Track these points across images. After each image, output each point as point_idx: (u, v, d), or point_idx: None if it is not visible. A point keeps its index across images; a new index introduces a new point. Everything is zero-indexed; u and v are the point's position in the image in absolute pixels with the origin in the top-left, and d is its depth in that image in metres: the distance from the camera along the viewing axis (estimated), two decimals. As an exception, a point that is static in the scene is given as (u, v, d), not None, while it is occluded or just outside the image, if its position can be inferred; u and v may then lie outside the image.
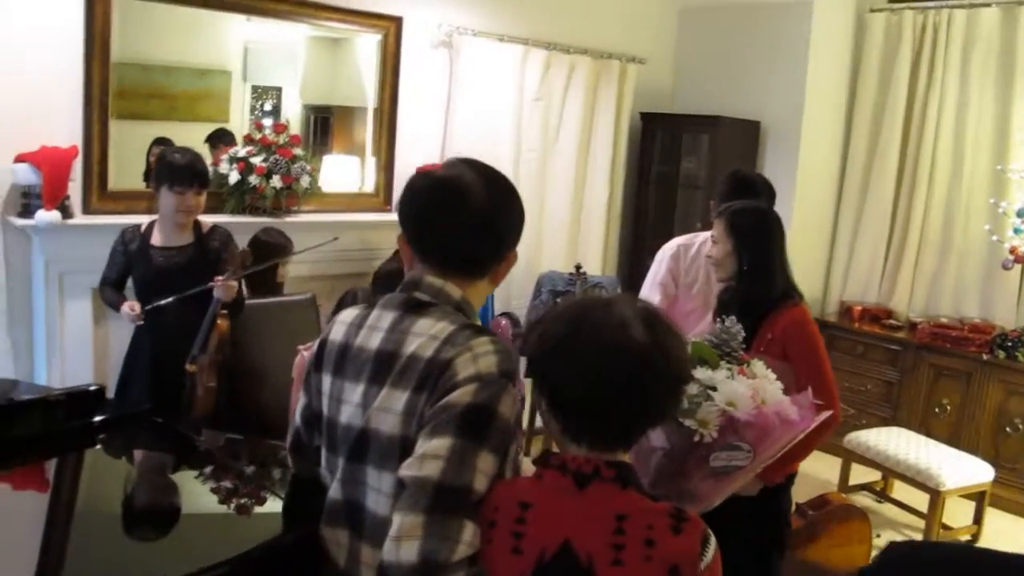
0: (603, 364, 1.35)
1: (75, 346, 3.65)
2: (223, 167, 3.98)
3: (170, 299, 3.14)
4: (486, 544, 1.34)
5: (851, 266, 5.61)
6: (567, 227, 5.36)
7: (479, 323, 1.56)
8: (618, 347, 1.35)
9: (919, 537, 4.22)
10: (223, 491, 2.13)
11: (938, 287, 5.33)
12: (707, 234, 3.32)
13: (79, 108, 3.63)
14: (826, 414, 1.99)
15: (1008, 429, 4.68)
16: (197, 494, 2.07)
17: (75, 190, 3.63)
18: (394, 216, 4.48)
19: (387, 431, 1.46)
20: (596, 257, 5.52)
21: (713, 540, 1.36)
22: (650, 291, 3.38)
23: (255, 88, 4.65)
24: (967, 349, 4.81)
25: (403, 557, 1.31)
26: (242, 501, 2.07)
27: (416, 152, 4.71)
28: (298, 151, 4.10)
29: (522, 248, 5.12)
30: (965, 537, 4.32)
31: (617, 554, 1.31)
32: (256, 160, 3.94)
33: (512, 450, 1.47)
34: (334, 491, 1.56)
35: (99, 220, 3.64)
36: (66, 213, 3.52)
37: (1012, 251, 4.66)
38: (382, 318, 1.55)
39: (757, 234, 2.54)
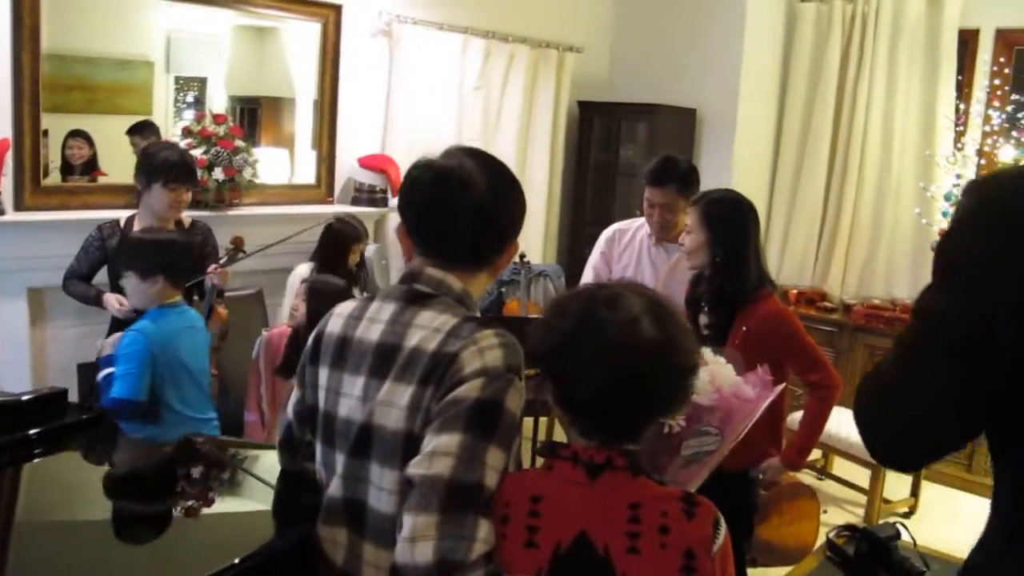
0: (613, 364, 1.34)
1: (11, 349, 3.50)
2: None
3: None
4: (499, 539, 1.33)
5: (786, 250, 5.74)
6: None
7: (479, 314, 1.54)
8: (628, 346, 1.34)
9: (861, 512, 4.36)
10: (196, 493, 2.07)
11: (870, 269, 5.49)
12: (643, 219, 3.35)
13: (8, 100, 3.47)
14: (780, 387, 2.04)
15: (939, 405, 4.85)
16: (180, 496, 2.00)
17: (6, 186, 3.48)
18: (333, 208, 4.50)
19: (391, 426, 1.43)
20: (537, 245, 5.52)
21: (723, 523, 1.37)
22: (585, 275, 3.41)
23: (178, 79, 4.53)
24: (899, 329, 4.97)
25: (419, 558, 1.29)
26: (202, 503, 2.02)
27: (357, 143, 4.65)
28: (239, 142, 3.99)
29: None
30: (903, 509, 4.48)
31: (633, 542, 1.32)
32: (196, 152, 3.83)
33: (515, 444, 1.46)
34: (334, 488, 1.52)
35: (34, 217, 3.49)
36: (-2, 210, 3.38)
37: (941, 233, 4.81)
38: (382, 310, 1.53)
39: (732, 225, 2.54)
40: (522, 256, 4.65)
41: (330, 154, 4.56)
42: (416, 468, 1.35)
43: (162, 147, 3.31)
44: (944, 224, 4.85)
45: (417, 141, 4.74)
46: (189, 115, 4.42)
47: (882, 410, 1.16)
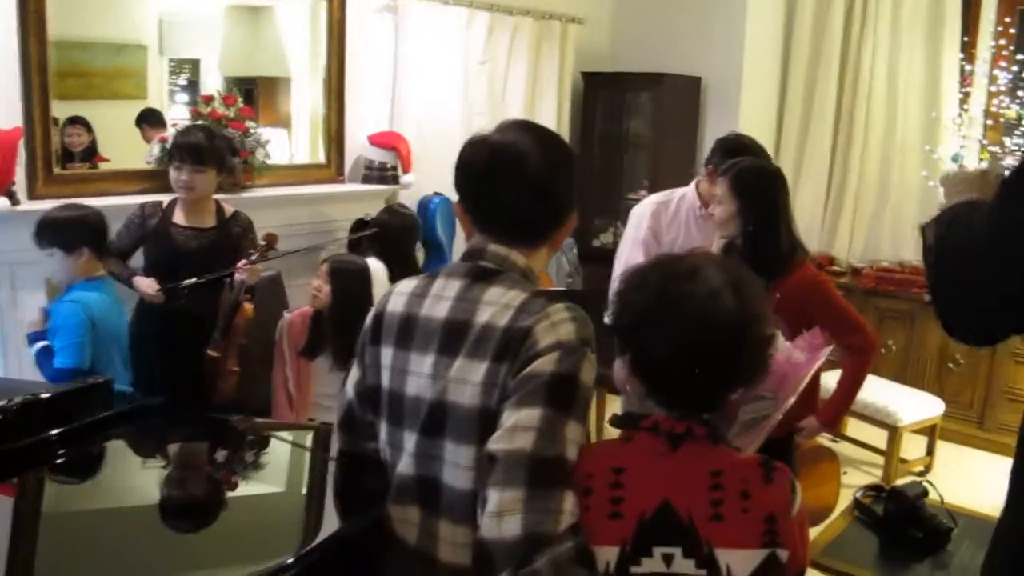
0: (695, 338, 1.35)
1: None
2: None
3: (194, 280, 3.12)
4: (583, 511, 1.34)
5: (793, 215, 5.74)
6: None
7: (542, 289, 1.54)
8: (709, 319, 1.35)
9: (879, 472, 4.41)
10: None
11: (876, 233, 5.52)
12: (683, 190, 3.35)
13: (17, 89, 3.43)
14: (828, 348, 2.07)
15: (951, 365, 4.92)
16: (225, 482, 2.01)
17: (19, 175, 3.44)
18: (346, 187, 4.49)
19: (466, 403, 1.44)
20: (546, 219, 5.51)
21: (799, 486, 1.40)
22: (632, 250, 3.39)
23: (172, 61, 4.50)
24: (909, 291, 5.02)
25: (506, 533, 1.30)
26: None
27: (365, 121, 4.62)
28: (251, 123, 3.96)
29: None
30: (919, 468, 4.53)
31: (716, 509, 1.34)
32: (209, 135, 3.80)
33: (586, 417, 1.47)
34: (405, 466, 1.53)
35: (48, 206, 3.44)
36: (13, 200, 3.34)
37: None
38: (447, 287, 1.53)
39: (762, 194, 2.56)
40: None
41: (339, 133, 4.53)
42: (498, 444, 1.35)
43: (185, 129, 3.38)
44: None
45: (425, 117, 4.73)
46: (183, 97, 4.39)
47: (968, 289, 1.27)
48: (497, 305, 1.46)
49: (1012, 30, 4.91)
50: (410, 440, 1.52)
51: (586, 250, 5.51)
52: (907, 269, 5.16)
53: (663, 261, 1.47)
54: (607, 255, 5.63)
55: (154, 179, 3.74)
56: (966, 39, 5.12)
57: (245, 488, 2.06)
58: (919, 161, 5.25)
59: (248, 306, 3.23)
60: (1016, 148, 4.72)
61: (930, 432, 4.56)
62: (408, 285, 1.60)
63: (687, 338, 1.35)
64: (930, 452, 4.58)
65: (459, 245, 4.89)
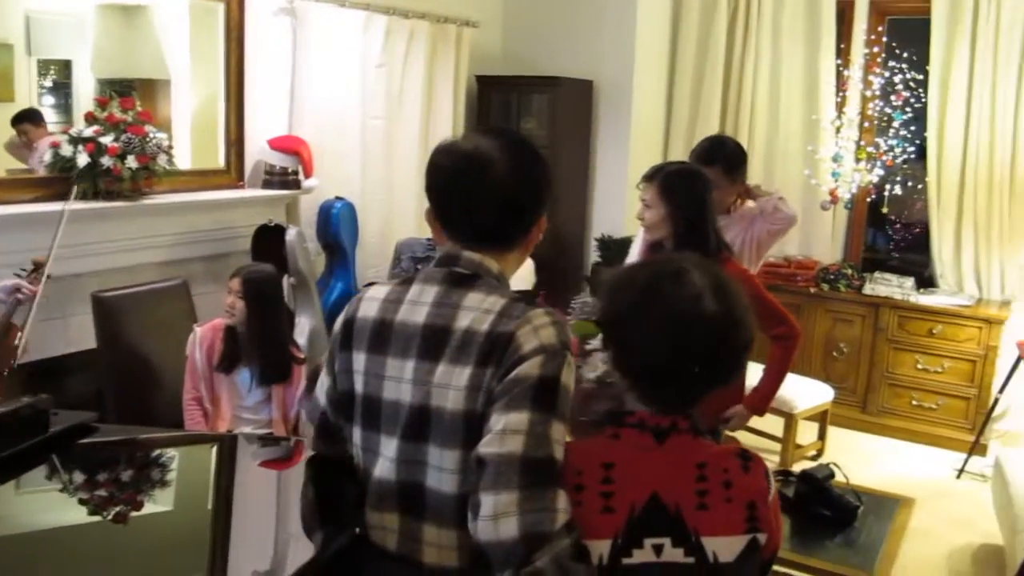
0: (677, 338, 1.40)
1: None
2: (65, 149, 3.64)
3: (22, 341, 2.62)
4: (576, 507, 1.38)
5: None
6: (416, 194, 5.31)
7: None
8: (692, 320, 1.40)
9: (776, 459, 4.63)
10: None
11: (762, 229, 5.77)
12: None
13: None
14: None
15: (835, 353, 5.21)
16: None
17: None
18: (248, 193, 4.39)
19: (450, 407, 1.45)
20: (445, 222, 5.52)
21: (772, 473, 1.48)
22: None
23: (40, 62, 4.29)
24: (796, 285, 5.29)
25: (503, 535, 1.32)
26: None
27: (264, 125, 4.52)
28: (151, 128, 3.82)
29: (376, 215, 5.05)
30: (812, 452, 4.78)
31: (701, 499, 1.40)
32: (107, 140, 3.63)
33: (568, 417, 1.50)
34: (384, 472, 1.52)
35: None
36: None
37: (831, 193, 5.15)
38: (424, 293, 1.54)
39: (691, 196, 2.64)
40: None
41: (239, 137, 4.41)
42: (488, 447, 1.37)
43: None
44: (833, 184, 5.18)
45: (324, 120, 4.67)
46: (50, 100, 4.17)
47: None
48: (477, 310, 1.48)
49: (884, 38, 5.25)
50: (388, 445, 1.52)
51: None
52: (792, 264, 5.42)
53: (652, 262, 1.52)
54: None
55: (50, 186, 3.56)
56: (842, 46, 5.42)
57: (149, 506, 2.01)
58: (801, 161, 5.52)
59: (16, 330, 2.83)
60: (889, 148, 5.05)
61: (821, 417, 4.82)
62: (380, 291, 1.60)
63: (669, 339, 1.41)
64: (822, 436, 4.84)
65: (363, 248, 4.85)
